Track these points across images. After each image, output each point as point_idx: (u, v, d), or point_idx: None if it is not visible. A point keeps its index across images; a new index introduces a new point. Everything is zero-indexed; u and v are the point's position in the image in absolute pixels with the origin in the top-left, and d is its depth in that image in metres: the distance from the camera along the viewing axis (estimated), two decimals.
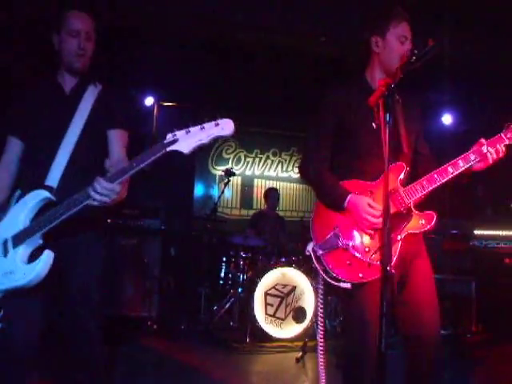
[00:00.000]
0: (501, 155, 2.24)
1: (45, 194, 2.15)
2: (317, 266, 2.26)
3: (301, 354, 4.52)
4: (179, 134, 1.98)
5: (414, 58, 2.04)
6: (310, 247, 2.29)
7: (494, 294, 5.51)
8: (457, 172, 2.24)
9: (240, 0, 5.35)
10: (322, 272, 2.25)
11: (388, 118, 1.94)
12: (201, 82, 6.67)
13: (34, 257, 2.10)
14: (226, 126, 1.93)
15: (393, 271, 2.10)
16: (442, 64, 5.80)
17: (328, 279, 2.23)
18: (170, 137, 2.00)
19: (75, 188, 2.13)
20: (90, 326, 2.31)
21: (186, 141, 1.96)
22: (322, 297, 2.44)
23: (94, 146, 2.35)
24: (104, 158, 2.37)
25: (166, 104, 7.46)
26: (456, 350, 4.99)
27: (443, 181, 2.24)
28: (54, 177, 2.21)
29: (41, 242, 2.12)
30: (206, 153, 7.94)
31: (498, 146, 2.24)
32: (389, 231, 1.89)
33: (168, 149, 1.99)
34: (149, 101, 7.19)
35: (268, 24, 5.81)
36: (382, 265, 1.87)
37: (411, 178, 2.32)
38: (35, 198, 2.15)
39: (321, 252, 2.24)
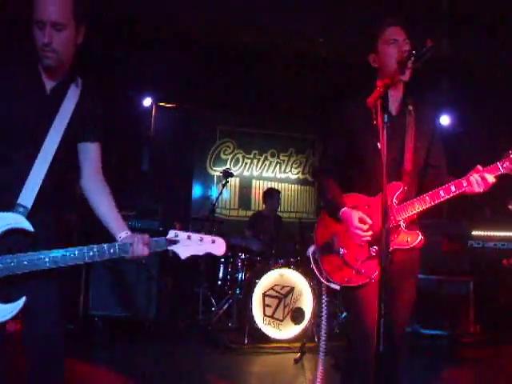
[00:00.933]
0: (489, 185, 2.27)
1: (24, 224, 1.91)
2: (314, 267, 2.48)
3: (299, 354, 4.52)
4: (181, 235, 2.07)
5: (413, 58, 2.05)
6: (310, 250, 2.52)
7: (492, 295, 5.52)
8: (448, 196, 2.30)
9: (239, 1, 5.36)
10: (317, 272, 2.47)
11: (386, 119, 1.96)
12: (199, 83, 6.68)
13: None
14: (219, 247, 2.10)
15: (373, 281, 2.28)
16: (441, 65, 5.80)
17: (321, 279, 2.46)
18: (172, 235, 2.08)
19: (48, 208, 2.01)
20: (54, 344, 2.08)
21: (185, 247, 2.08)
22: (325, 298, 2.67)
23: (69, 159, 2.12)
24: (73, 172, 2.16)
25: (164, 105, 7.46)
26: (454, 351, 5.00)
27: (434, 203, 2.32)
28: (28, 194, 1.93)
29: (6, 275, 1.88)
30: (204, 154, 7.94)
31: (486, 176, 2.26)
32: (388, 234, 1.93)
33: (169, 248, 2.10)
34: (147, 101, 7.18)
35: (267, 25, 5.82)
36: (381, 266, 1.90)
37: (418, 188, 2.42)
38: (9, 224, 1.90)
39: (319, 255, 2.47)
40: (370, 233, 2.30)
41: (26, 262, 1.88)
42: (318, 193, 2.74)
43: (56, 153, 2.00)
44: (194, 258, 6.35)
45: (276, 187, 7.70)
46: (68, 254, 1.91)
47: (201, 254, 2.08)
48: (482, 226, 5.82)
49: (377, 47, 2.41)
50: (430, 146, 2.48)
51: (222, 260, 6.10)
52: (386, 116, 1.96)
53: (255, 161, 8.24)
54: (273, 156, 8.35)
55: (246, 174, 8.18)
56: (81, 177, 2.17)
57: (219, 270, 6.12)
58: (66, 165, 2.10)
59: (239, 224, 7.41)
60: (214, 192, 7.89)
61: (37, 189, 1.95)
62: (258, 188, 8.16)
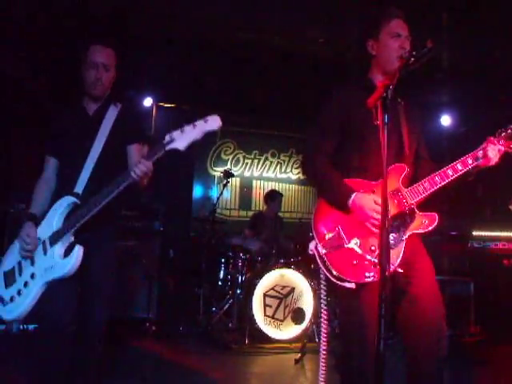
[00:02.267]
0: (501, 152, 2.27)
1: (71, 199, 2.53)
2: (320, 265, 2.21)
3: (300, 355, 4.51)
4: (175, 133, 2.32)
5: (413, 59, 2.05)
6: (312, 246, 2.24)
7: (493, 295, 5.51)
8: (456, 175, 2.27)
9: (239, 1, 5.35)
10: (325, 271, 2.21)
11: (386, 120, 1.95)
12: (199, 83, 6.68)
13: (68, 252, 2.49)
14: (213, 122, 2.29)
15: (399, 270, 2.15)
16: (441, 65, 5.81)
17: (332, 279, 2.19)
18: (167, 138, 2.34)
19: (94, 193, 2.51)
20: (100, 316, 2.61)
21: (181, 139, 2.31)
22: (324, 297, 2.40)
23: (114, 159, 2.69)
24: (124, 168, 2.65)
25: (164, 105, 7.46)
26: (454, 351, 4.98)
27: (444, 183, 2.27)
28: (80, 185, 2.59)
29: (72, 238, 2.51)
30: (205, 154, 7.94)
31: (497, 145, 2.26)
32: (387, 232, 1.90)
33: (167, 148, 2.34)
34: (147, 102, 7.18)
35: (267, 25, 5.82)
36: (381, 266, 1.87)
37: (412, 180, 2.34)
38: (64, 203, 2.54)
39: (324, 251, 2.20)
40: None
41: (74, 218, 2.48)
42: (313, 180, 2.47)
43: (99, 157, 2.62)
44: (194, 259, 6.31)
45: (276, 187, 7.71)
46: (93, 199, 2.44)
47: (199, 137, 2.29)
48: (482, 226, 5.82)
49: (378, 35, 2.37)
50: (419, 136, 2.47)
51: (223, 260, 6.09)
52: (386, 117, 1.95)
53: (256, 161, 8.25)
54: (273, 156, 8.36)
55: (246, 174, 8.18)
56: None
57: (220, 271, 6.12)
58: (111, 162, 2.64)
59: (240, 224, 7.41)
60: (214, 192, 7.89)
61: (86, 181, 2.58)
62: (259, 188, 8.17)
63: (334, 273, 2.18)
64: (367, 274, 2.15)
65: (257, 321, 4.96)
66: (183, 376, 4.03)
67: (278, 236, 6.43)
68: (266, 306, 5.04)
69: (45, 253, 2.51)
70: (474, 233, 5.81)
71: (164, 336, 5.16)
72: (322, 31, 5.88)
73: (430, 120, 7.23)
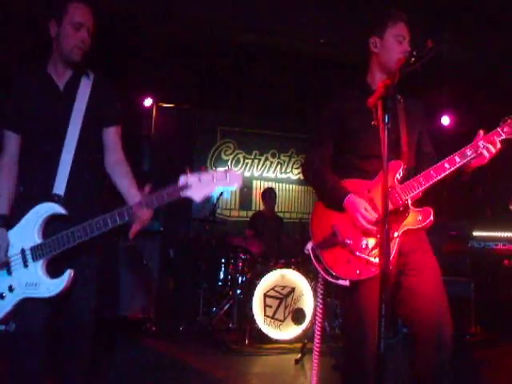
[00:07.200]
0: (496, 150, 2.23)
1: (57, 208, 2.20)
2: (316, 264, 2.29)
3: (300, 355, 4.51)
4: (192, 180, 2.00)
5: (413, 59, 2.05)
6: (309, 246, 2.32)
7: (493, 295, 5.51)
8: (453, 168, 2.25)
9: (240, 1, 5.36)
10: (321, 270, 2.27)
11: (387, 119, 1.95)
12: (200, 84, 6.68)
13: (51, 269, 2.20)
14: (235, 179, 1.99)
15: (390, 268, 2.11)
16: (441, 65, 5.79)
17: (327, 277, 2.26)
18: (182, 181, 2.01)
19: (80, 192, 2.26)
20: (86, 322, 2.35)
21: (198, 189, 2.01)
22: (321, 297, 2.46)
23: (93, 144, 2.35)
24: (101, 154, 2.39)
25: (164, 105, 7.46)
26: (454, 351, 4.98)
27: (440, 177, 2.25)
28: (60, 184, 2.23)
29: (58, 255, 2.20)
30: (205, 154, 7.94)
31: (493, 138, 2.22)
32: (388, 232, 1.90)
33: (182, 194, 2.02)
34: (147, 102, 7.18)
35: (267, 26, 5.82)
36: (381, 266, 1.87)
37: (412, 177, 2.32)
38: (47, 212, 2.21)
39: (319, 250, 2.27)
40: (374, 226, 2.20)
41: (64, 237, 2.15)
42: (312, 185, 2.51)
43: (78, 141, 2.25)
44: (194, 259, 6.31)
45: (276, 188, 7.70)
46: (87, 224, 2.12)
47: (216, 191, 2.05)
48: (483, 227, 5.82)
49: (383, 34, 2.38)
50: (420, 133, 2.47)
51: (223, 260, 6.09)
52: (386, 116, 1.95)
53: (256, 161, 8.24)
54: (273, 156, 8.35)
55: (246, 174, 8.17)
56: (105, 161, 2.38)
57: (220, 271, 6.11)
58: (90, 150, 2.31)
59: (240, 224, 7.41)
60: (214, 192, 7.88)
61: (66, 177, 2.22)
62: (259, 188, 8.15)
63: (329, 271, 2.24)
64: (357, 272, 2.21)
65: (257, 321, 4.96)
66: (183, 376, 4.03)
67: (279, 235, 6.43)
68: (266, 306, 5.03)
69: (25, 265, 2.20)
70: (474, 233, 5.81)
71: (164, 336, 5.16)
72: (323, 32, 5.89)
73: (429, 120, 7.22)
